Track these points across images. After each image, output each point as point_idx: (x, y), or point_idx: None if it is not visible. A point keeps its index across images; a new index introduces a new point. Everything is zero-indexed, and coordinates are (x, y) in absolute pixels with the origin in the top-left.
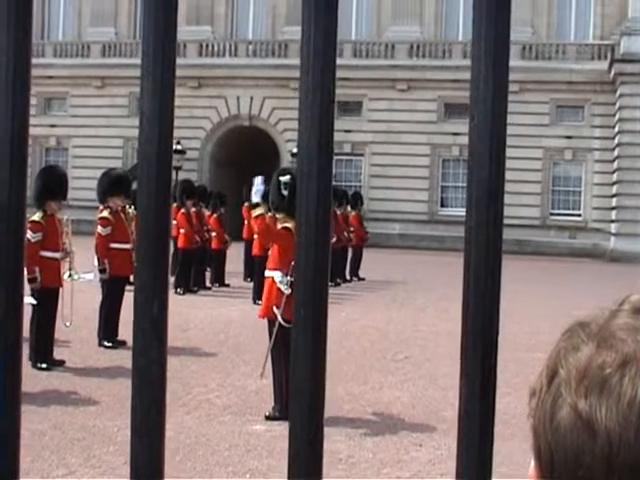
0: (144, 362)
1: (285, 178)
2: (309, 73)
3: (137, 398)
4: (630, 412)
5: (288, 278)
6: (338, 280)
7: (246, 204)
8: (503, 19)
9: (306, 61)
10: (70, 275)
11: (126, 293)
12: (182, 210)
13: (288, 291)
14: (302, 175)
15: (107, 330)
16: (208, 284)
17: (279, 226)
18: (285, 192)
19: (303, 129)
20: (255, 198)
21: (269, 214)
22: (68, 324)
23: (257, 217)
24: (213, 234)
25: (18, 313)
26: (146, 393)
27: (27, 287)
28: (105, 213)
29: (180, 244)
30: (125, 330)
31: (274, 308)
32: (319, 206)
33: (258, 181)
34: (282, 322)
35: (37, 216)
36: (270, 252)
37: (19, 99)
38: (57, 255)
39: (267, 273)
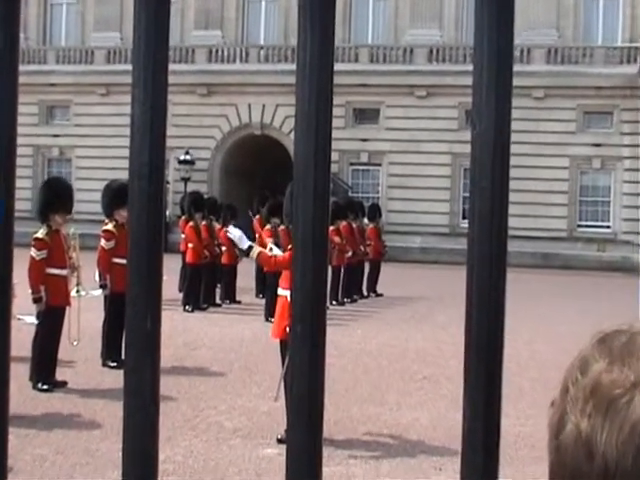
0: (136, 381)
1: None
2: (305, 80)
3: (130, 419)
4: (630, 438)
5: None
6: (354, 296)
7: (257, 216)
8: (506, 22)
9: (302, 67)
10: (77, 291)
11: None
12: (190, 223)
13: None
14: (298, 189)
15: (111, 349)
16: (218, 301)
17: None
18: None
19: (299, 139)
20: (243, 245)
21: (282, 227)
22: (75, 343)
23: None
24: (224, 249)
25: (3, 330)
26: (139, 413)
27: (32, 306)
28: (109, 226)
29: (188, 259)
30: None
31: (287, 329)
32: (315, 220)
33: (232, 230)
34: None
35: (41, 233)
36: None
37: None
38: (64, 272)
39: (280, 292)
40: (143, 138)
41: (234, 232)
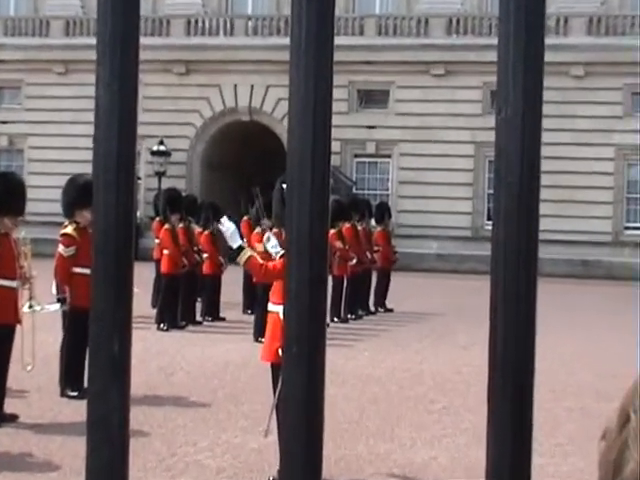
0: (102, 410)
1: None
2: (301, 59)
3: (94, 455)
4: None
5: None
6: (360, 312)
7: (245, 218)
8: None
9: (297, 45)
10: (31, 306)
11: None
12: (166, 226)
13: None
14: (292, 185)
15: (71, 376)
16: (199, 318)
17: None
18: None
19: (294, 128)
20: (233, 243)
21: (274, 230)
22: (29, 368)
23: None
24: (205, 256)
25: None
26: (105, 449)
27: None
28: (69, 229)
29: (163, 268)
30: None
31: (279, 351)
32: (313, 222)
33: (225, 223)
34: None
35: None
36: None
37: None
38: (14, 284)
39: (271, 307)
40: (110, 125)
41: (227, 225)
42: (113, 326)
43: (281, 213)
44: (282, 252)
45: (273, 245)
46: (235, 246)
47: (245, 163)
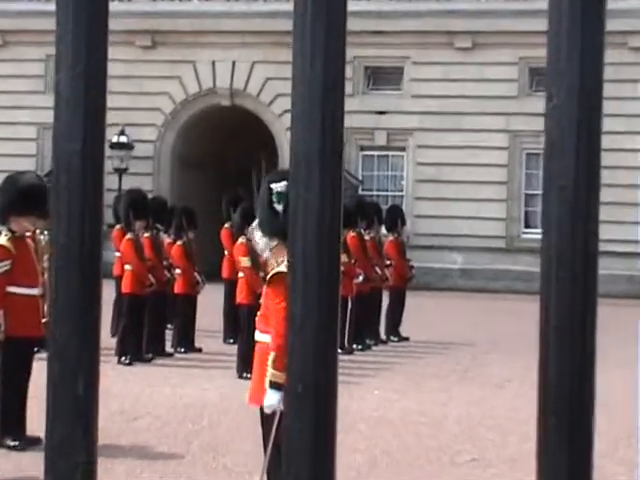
0: (64, 468)
1: (280, 186)
2: (306, 29)
3: None
4: None
5: None
6: (368, 340)
7: (227, 225)
8: None
9: (302, 10)
10: None
11: (36, 363)
12: (128, 235)
13: None
14: (297, 186)
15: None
16: (169, 348)
17: (270, 263)
18: (279, 207)
19: (298, 119)
20: (257, 235)
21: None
22: None
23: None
24: (177, 272)
25: None
26: None
27: None
28: (2, 239)
29: (125, 287)
30: (37, 420)
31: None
32: (322, 232)
33: (258, 232)
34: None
35: (2, 238)
36: (263, 301)
37: None
38: (35, 291)
39: (259, 336)
40: (73, 117)
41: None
42: (77, 362)
43: (269, 220)
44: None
45: (260, 236)
46: (262, 248)
47: (225, 158)
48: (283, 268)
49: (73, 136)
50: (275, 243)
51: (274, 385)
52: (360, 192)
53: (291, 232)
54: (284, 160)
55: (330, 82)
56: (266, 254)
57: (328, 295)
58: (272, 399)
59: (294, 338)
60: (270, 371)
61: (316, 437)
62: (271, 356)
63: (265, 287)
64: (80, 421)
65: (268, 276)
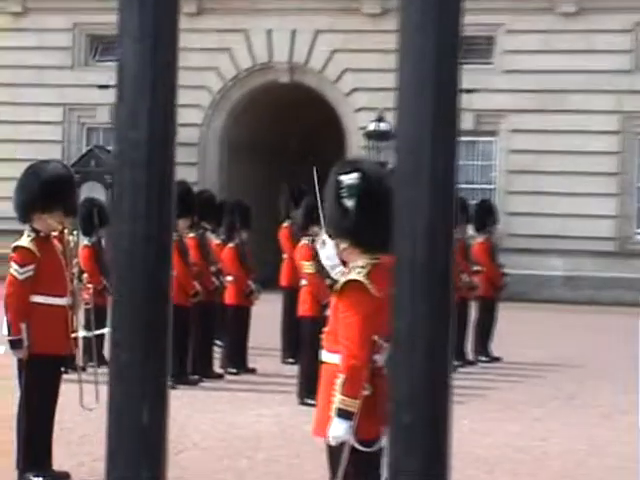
0: None
1: (351, 178)
2: None
3: None
4: None
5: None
6: (453, 361)
7: (286, 224)
8: None
9: None
10: None
11: (67, 385)
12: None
13: (366, 391)
14: (401, 182)
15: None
16: (219, 369)
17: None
18: (350, 203)
19: (404, 103)
20: (334, 269)
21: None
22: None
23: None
24: (228, 279)
25: None
26: None
27: None
28: (25, 241)
29: None
30: (64, 452)
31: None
32: (434, 236)
33: (327, 241)
34: (357, 445)
35: (25, 240)
36: (330, 314)
37: None
38: (63, 301)
39: (326, 356)
40: (139, 98)
41: (328, 246)
42: (142, 387)
43: (337, 219)
44: (340, 268)
45: (329, 255)
46: (336, 274)
47: (284, 144)
48: (356, 275)
49: (138, 123)
50: (345, 246)
51: (342, 414)
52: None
53: (396, 236)
54: (351, 147)
55: (442, 50)
56: (336, 271)
57: (440, 307)
58: (338, 429)
59: (399, 359)
60: (338, 397)
61: (427, 476)
62: (340, 379)
63: (334, 298)
64: (146, 453)
65: (338, 285)
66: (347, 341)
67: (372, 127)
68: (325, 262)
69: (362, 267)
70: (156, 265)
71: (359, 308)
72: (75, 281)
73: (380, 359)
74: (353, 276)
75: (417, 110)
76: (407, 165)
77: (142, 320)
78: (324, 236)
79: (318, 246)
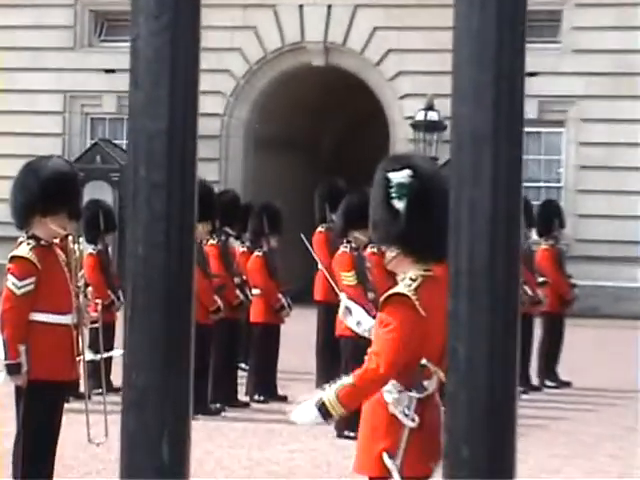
0: None
1: (401, 176)
2: None
3: None
4: None
5: (413, 395)
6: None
7: (322, 228)
8: None
9: None
10: None
11: (69, 416)
12: None
13: (413, 423)
14: (459, 179)
15: None
16: (243, 397)
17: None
18: (400, 205)
19: (460, 74)
20: (361, 327)
21: (370, 249)
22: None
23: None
24: (255, 292)
25: None
26: None
27: None
28: (24, 250)
29: None
30: None
31: (385, 456)
32: (496, 241)
33: (352, 307)
34: None
35: (23, 249)
36: (374, 332)
37: None
38: (67, 319)
39: None
40: (157, 83)
41: (355, 311)
42: (161, 416)
43: (385, 223)
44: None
45: (361, 320)
46: (352, 325)
47: (318, 137)
48: (403, 289)
49: (156, 112)
50: (393, 254)
51: (322, 410)
52: None
53: (451, 242)
54: (397, 140)
55: (506, 29)
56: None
57: (504, 325)
58: (309, 417)
59: (457, 384)
60: (332, 397)
61: None
62: (347, 382)
63: (377, 313)
64: None
65: (382, 298)
66: (377, 355)
67: (420, 116)
68: (358, 329)
69: (412, 280)
70: (177, 275)
71: (401, 326)
72: (81, 296)
73: (430, 385)
74: (400, 289)
75: (475, 96)
76: (464, 160)
77: (161, 338)
78: (345, 302)
79: (341, 315)
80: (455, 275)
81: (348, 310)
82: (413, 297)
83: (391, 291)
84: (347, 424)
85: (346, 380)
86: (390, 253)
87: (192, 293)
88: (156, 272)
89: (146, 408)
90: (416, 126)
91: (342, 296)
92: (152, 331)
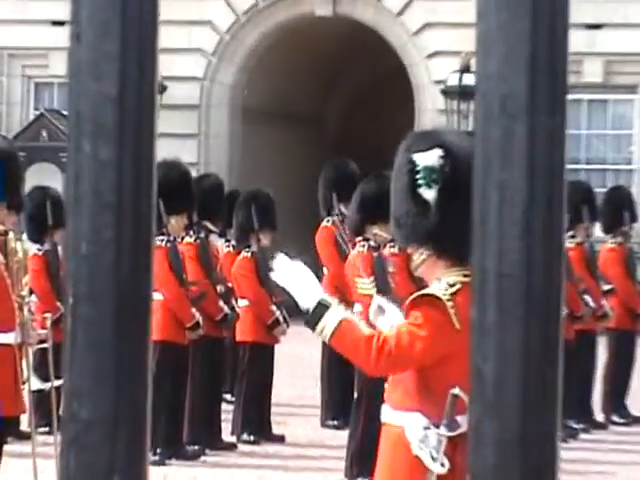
0: None
1: (430, 158)
2: None
3: None
4: None
5: (442, 433)
6: (571, 422)
7: (327, 222)
8: None
9: None
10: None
11: (9, 462)
12: (157, 242)
13: (442, 468)
14: (484, 158)
15: None
16: (229, 436)
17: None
18: (430, 194)
19: (487, 24)
20: (384, 324)
21: (390, 249)
22: None
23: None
24: (242, 304)
25: None
26: None
27: None
28: None
29: (152, 331)
30: None
31: None
32: (531, 236)
33: (385, 306)
34: None
35: None
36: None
37: None
38: (10, 338)
39: (390, 414)
40: (102, 35)
41: (389, 309)
42: (110, 460)
43: (412, 218)
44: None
45: (394, 325)
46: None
47: (323, 108)
48: (436, 290)
49: (104, 72)
50: (423, 257)
51: (317, 311)
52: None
53: (476, 237)
54: (424, 110)
55: None
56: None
57: (542, 341)
58: (302, 294)
59: (482, 415)
60: (335, 320)
61: None
62: (355, 327)
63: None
64: None
65: (409, 300)
66: (397, 341)
67: (453, 80)
68: (382, 327)
69: (450, 285)
70: (130, 281)
71: (432, 328)
72: (25, 308)
73: (465, 421)
74: (434, 290)
75: (507, 53)
76: (492, 134)
77: (110, 359)
78: (377, 299)
79: (372, 316)
80: (481, 278)
81: (380, 309)
82: (448, 304)
83: (422, 291)
84: (360, 469)
85: (358, 328)
86: (418, 255)
87: (149, 303)
88: (104, 277)
89: (91, 447)
90: (448, 93)
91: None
92: (99, 350)
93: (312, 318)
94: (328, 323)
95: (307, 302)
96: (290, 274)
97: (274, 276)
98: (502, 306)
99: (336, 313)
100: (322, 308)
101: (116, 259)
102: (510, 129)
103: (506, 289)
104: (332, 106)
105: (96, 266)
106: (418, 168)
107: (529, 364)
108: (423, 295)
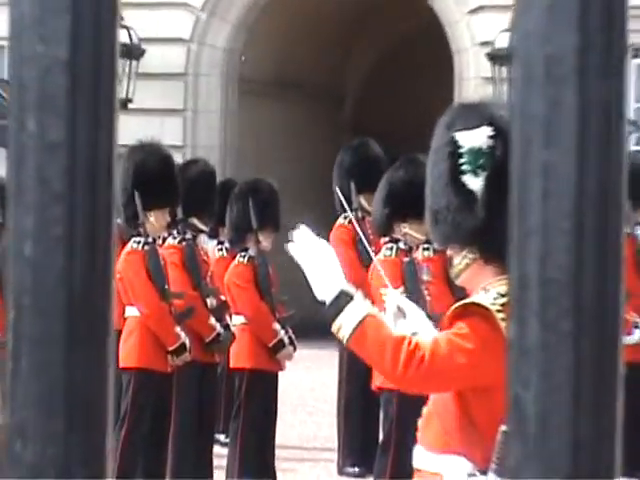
0: None
1: (476, 137)
2: None
3: None
4: None
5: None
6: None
7: (344, 219)
8: None
9: None
10: None
11: None
12: (132, 245)
13: None
14: (523, 122)
15: None
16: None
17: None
18: (477, 183)
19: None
20: (404, 328)
21: (425, 252)
22: None
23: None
24: (238, 321)
25: None
26: None
27: None
28: None
29: (127, 356)
30: None
31: None
32: (579, 228)
33: (403, 306)
34: None
35: None
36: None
37: None
38: None
39: (422, 460)
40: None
41: (409, 311)
42: None
43: (454, 212)
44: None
45: (416, 331)
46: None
47: (339, 76)
48: (484, 300)
49: (52, 31)
50: (467, 260)
51: (337, 302)
52: (632, 146)
53: (515, 234)
54: (464, 78)
55: None
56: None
57: (598, 362)
58: (321, 283)
59: (522, 454)
60: (355, 320)
61: None
62: (382, 326)
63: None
64: None
65: (449, 312)
66: (433, 349)
67: (501, 42)
68: (400, 328)
69: (501, 295)
70: (86, 290)
71: (481, 344)
72: None
73: None
74: (480, 299)
75: (553, 5)
76: (534, 106)
77: (61, 389)
78: (396, 298)
79: (391, 318)
80: (519, 285)
81: (400, 311)
82: (499, 315)
83: (465, 300)
84: None
85: (385, 326)
86: (461, 259)
87: (108, 317)
88: (52, 284)
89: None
90: (495, 57)
91: (390, 290)
92: (47, 376)
93: (330, 311)
94: (349, 318)
95: (325, 291)
96: (311, 253)
97: (291, 249)
98: (546, 320)
99: (360, 307)
100: (343, 300)
101: (67, 262)
102: (555, 100)
103: (551, 298)
104: (350, 75)
105: (43, 271)
106: (462, 150)
107: (580, 391)
108: (468, 304)
